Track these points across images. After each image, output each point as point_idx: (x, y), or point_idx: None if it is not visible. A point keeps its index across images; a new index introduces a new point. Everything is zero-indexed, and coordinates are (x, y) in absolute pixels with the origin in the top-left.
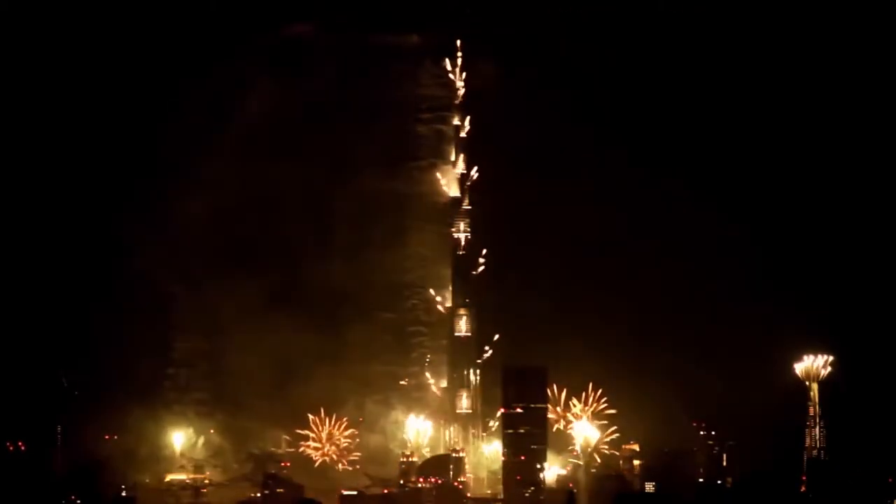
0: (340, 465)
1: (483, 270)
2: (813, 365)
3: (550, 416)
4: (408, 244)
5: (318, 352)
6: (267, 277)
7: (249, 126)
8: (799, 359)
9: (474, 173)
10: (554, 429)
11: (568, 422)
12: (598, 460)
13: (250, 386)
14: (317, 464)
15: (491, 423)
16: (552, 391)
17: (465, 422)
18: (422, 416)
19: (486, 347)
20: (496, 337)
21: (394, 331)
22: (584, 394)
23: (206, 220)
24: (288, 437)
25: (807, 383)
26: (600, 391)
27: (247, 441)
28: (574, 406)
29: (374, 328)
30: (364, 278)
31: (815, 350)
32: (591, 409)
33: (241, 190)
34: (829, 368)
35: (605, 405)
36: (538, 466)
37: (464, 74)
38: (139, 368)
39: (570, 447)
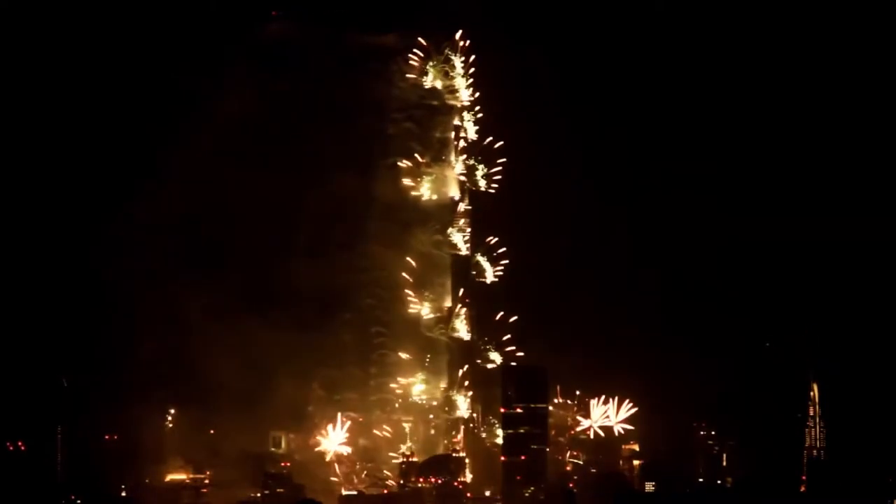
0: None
1: (482, 271)
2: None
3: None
4: (390, 244)
5: (293, 353)
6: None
7: (220, 125)
8: (799, 357)
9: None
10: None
11: (576, 422)
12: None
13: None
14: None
15: (491, 423)
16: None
17: (465, 422)
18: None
19: (486, 348)
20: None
21: (360, 331)
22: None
23: (176, 219)
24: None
25: (807, 383)
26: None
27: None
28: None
29: (353, 329)
30: (339, 279)
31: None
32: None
33: (211, 190)
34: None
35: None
36: (538, 466)
37: (463, 77)
38: (114, 368)
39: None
